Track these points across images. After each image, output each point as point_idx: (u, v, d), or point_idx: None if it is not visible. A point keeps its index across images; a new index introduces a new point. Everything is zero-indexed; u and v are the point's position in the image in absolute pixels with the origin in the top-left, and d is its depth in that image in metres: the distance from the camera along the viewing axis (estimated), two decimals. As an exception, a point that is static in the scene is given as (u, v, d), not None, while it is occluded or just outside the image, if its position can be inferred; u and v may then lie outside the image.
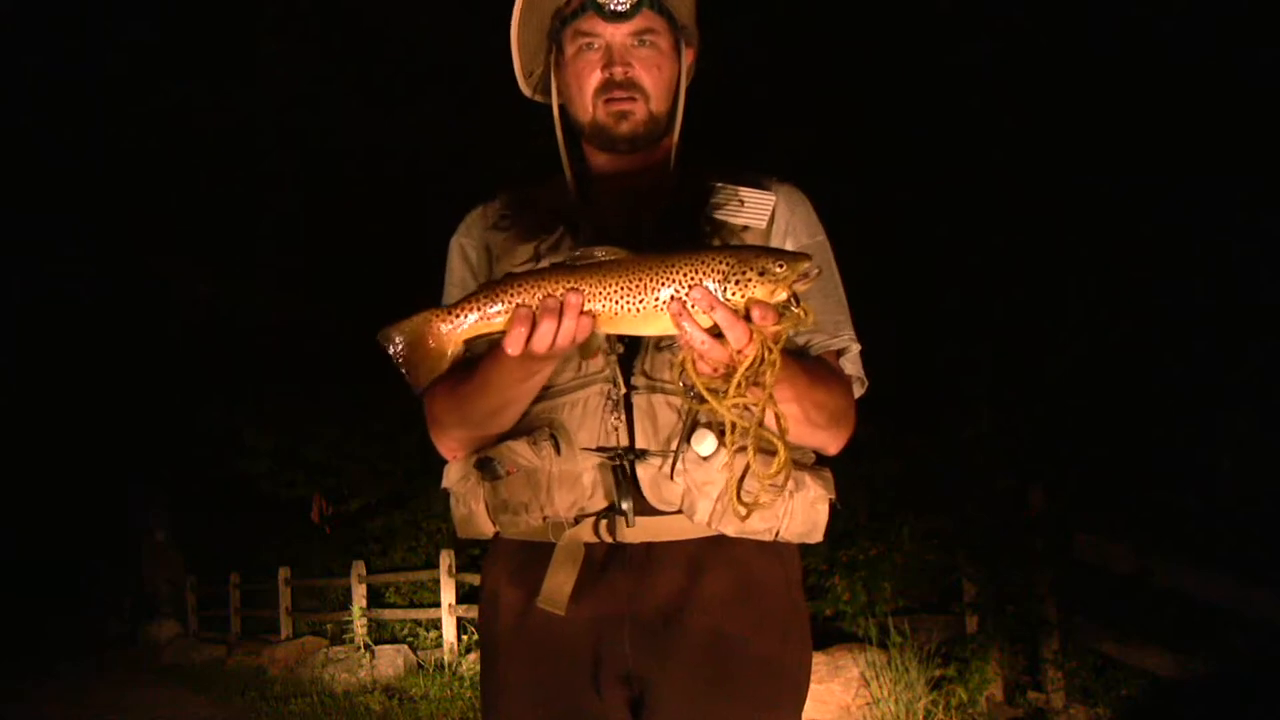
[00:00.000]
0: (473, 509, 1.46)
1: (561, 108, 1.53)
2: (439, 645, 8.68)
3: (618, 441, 1.37)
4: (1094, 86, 6.22)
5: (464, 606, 8.55)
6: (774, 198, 1.45)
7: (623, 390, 1.37)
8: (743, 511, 1.28)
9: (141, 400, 14.23)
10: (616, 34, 1.43)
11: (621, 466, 1.36)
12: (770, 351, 1.16)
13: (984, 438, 5.51)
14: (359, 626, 9.44)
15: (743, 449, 1.24)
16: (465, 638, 8.25)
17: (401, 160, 8.83)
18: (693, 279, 1.14)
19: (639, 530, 1.37)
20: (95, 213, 11.55)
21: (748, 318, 1.14)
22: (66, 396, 15.34)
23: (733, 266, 1.14)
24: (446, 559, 8.80)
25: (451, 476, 1.49)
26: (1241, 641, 3.99)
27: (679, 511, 1.37)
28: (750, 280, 1.14)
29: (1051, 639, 4.83)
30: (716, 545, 1.39)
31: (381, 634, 9.63)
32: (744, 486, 1.29)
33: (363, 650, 8.74)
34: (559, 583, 1.35)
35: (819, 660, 4.87)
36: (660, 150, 1.50)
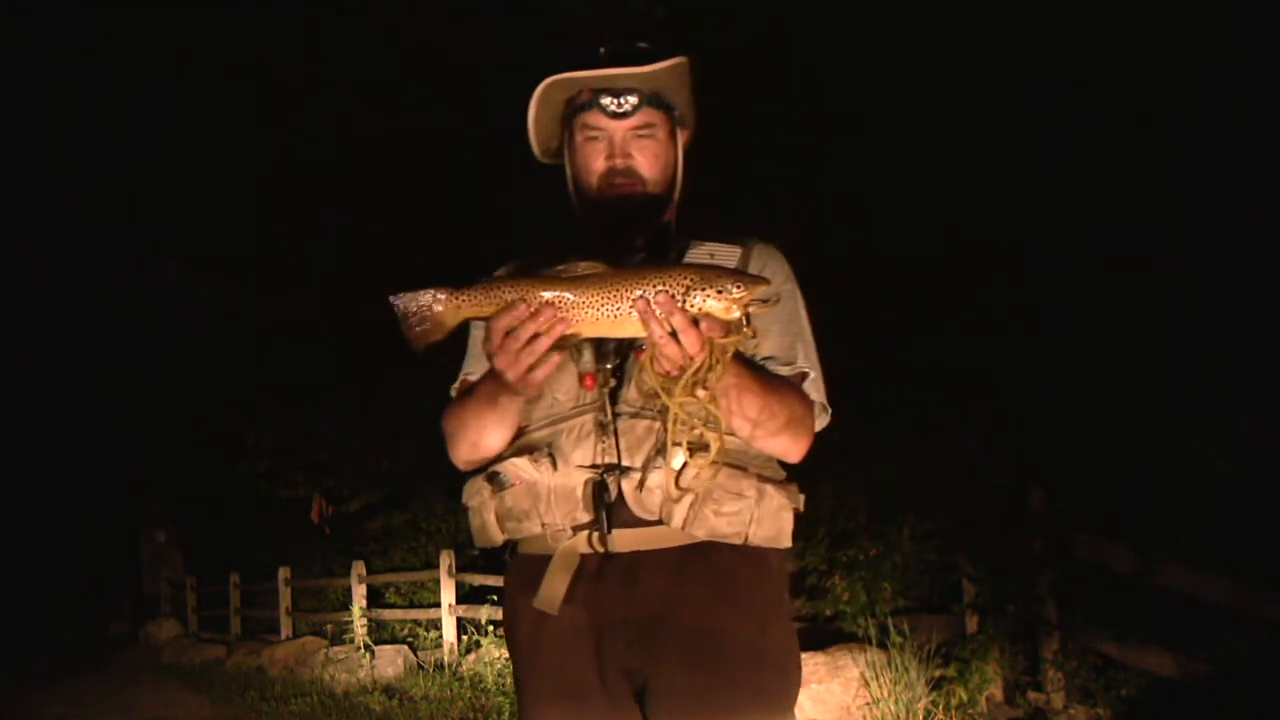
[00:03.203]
0: (485, 519, 1.65)
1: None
2: (439, 645, 8.68)
3: (607, 460, 1.54)
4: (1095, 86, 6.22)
5: (464, 606, 8.54)
6: (739, 251, 1.63)
7: (610, 416, 1.54)
8: (676, 494, 1.47)
9: (142, 401, 14.23)
10: (619, 129, 1.62)
11: (603, 481, 1.53)
12: (719, 362, 1.33)
13: (984, 438, 5.51)
14: (359, 627, 9.44)
15: (679, 443, 1.43)
16: (465, 638, 8.24)
17: (401, 160, 8.84)
18: (659, 289, 1.30)
19: (627, 540, 1.53)
20: (95, 212, 11.56)
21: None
22: (67, 397, 15.34)
23: (695, 281, 1.30)
24: (446, 559, 8.80)
25: (469, 494, 1.68)
26: (1241, 641, 3.98)
27: (659, 521, 1.53)
28: (708, 295, 1.29)
29: (1051, 639, 4.83)
30: (697, 552, 1.54)
31: (381, 634, 9.63)
32: (682, 475, 1.47)
33: (363, 650, 8.73)
34: (553, 588, 1.54)
35: (819, 660, 4.87)
36: (660, 224, 1.68)
